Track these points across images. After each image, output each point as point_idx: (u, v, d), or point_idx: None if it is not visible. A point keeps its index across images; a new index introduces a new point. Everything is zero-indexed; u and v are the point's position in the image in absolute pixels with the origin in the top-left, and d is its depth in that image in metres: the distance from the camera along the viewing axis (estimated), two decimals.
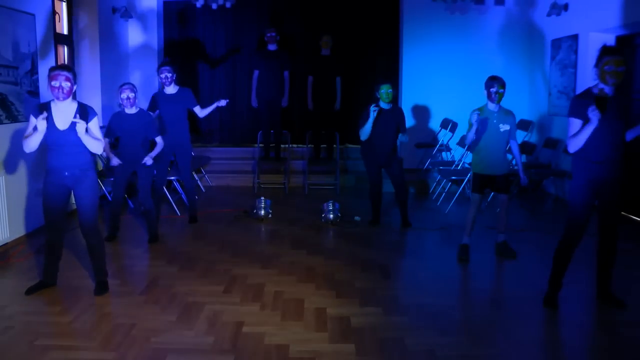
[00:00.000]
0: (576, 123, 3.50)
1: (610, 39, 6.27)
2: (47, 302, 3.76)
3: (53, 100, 3.68)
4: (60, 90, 3.56)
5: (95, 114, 3.75)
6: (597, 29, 6.20)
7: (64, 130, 3.65)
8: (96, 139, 3.70)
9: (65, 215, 3.95)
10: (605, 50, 3.45)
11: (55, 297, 3.83)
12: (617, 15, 5.76)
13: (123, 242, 5.16)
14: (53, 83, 3.56)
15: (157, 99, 5.62)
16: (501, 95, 4.54)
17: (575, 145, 3.49)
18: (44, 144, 3.68)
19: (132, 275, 4.27)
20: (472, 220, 4.70)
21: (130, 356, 3.03)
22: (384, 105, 5.45)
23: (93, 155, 3.83)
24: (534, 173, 6.41)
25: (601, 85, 3.46)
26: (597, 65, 3.46)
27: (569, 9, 6.71)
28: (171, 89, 5.60)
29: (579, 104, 3.49)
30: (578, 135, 3.45)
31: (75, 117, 3.63)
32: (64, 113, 3.66)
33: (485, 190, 4.71)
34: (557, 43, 7.02)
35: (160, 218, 5.86)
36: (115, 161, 4.94)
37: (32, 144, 3.62)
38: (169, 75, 5.49)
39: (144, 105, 7.61)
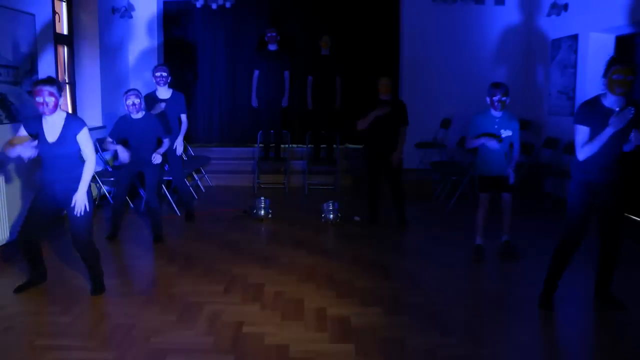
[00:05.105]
0: (584, 130, 3.45)
1: (610, 39, 6.27)
2: (47, 302, 3.76)
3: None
4: (45, 106, 3.48)
5: (83, 125, 3.64)
6: (597, 29, 6.20)
7: (53, 143, 3.58)
8: (90, 152, 3.65)
9: (44, 227, 3.87)
10: (613, 60, 3.42)
11: (55, 297, 3.83)
12: (617, 15, 5.75)
13: (123, 241, 5.16)
14: (37, 99, 3.46)
15: (150, 102, 5.66)
16: (504, 104, 4.45)
17: (587, 152, 3.43)
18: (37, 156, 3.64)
19: (132, 275, 4.27)
20: (481, 220, 4.70)
21: (130, 356, 3.03)
22: (383, 98, 5.49)
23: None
24: (534, 173, 6.40)
25: (609, 95, 3.39)
26: (605, 75, 3.41)
27: (569, 9, 6.71)
28: (164, 92, 5.69)
29: (587, 112, 3.45)
30: (593, 142, 3.39)
31: (62, 135, 3.57)
32: (52, 126, 3.60)
33: (491, 189, 4.67)
34: (557, 43, 7.02)
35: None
36: (124, 156, 4.72)
37: (14, 154, 3.55)
38: (164, 74, 5.59)
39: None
